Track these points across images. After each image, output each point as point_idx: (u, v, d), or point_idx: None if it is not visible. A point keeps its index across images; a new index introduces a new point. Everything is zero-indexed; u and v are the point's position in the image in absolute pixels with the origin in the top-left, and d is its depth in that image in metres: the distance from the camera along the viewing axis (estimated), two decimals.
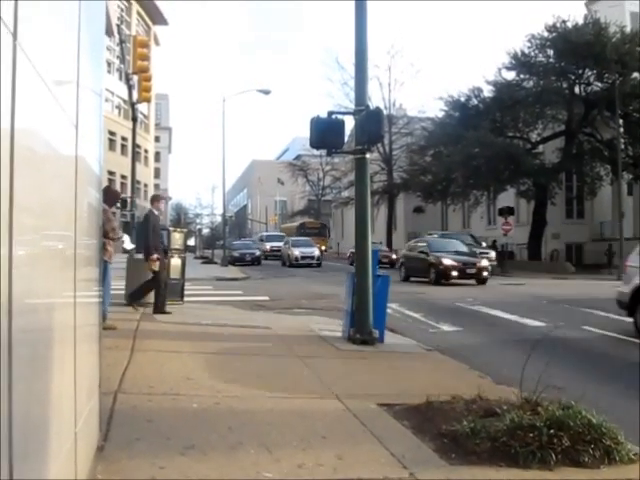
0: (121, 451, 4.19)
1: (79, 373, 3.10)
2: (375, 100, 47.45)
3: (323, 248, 53.12)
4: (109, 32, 21.57)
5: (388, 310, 10.65)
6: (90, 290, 3.80)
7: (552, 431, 4.36)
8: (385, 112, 47.47)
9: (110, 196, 9.47)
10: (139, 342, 8.39)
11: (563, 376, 6.60)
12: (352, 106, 9.95)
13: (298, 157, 77.26)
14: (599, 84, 37.43)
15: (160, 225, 11.95)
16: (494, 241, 38.90)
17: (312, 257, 39.65)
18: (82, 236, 3.22)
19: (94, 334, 4.01)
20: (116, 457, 4.07)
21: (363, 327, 9.28)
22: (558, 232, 41.66)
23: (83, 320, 3.30)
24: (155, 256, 11.24)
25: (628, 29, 37.66)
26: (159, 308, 11.55)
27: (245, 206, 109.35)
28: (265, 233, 64.02)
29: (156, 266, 11.28)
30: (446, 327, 12.00)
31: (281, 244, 48.06)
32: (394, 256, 39.84)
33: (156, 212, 11.73)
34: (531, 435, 4.33)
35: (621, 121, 34.28)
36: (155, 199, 12.22)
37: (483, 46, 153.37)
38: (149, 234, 11.32)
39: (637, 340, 10.04)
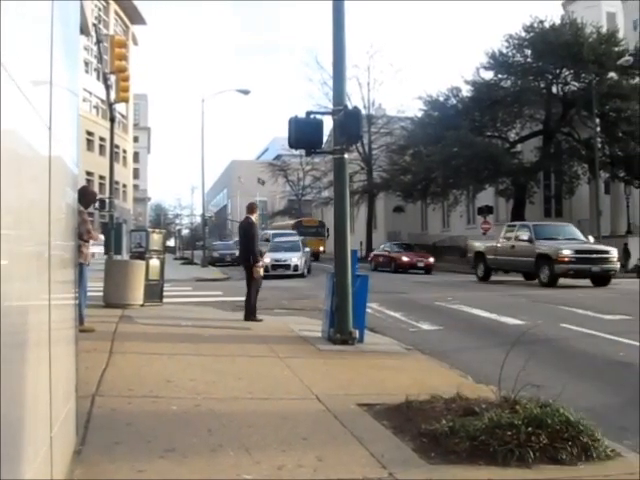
0: (99, 455, 4.14)
1: (55, 376, 3.06)
2: (354, 100, 47.68)
3: (321, 249, 48.07)
4: (85, 31, 21.38)
5: (368, 310, 10.66)
6: (65, 292, 3.76)
7: (530, 429, 4.38)
8: (364, 112, 47.75)
9: (86, 197, 9.38)
10: (118, 344, 8.33)
11: (542, 374, 6.64)
12: (332, 106, 9.94)
13: (278, 157, 77.13)
14: (576, 84, 37.85)
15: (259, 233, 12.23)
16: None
17: (287, 266, 30.27)
18: (57, 237, 3.18)
19: (70, 336, 3.97)
20: (94, 461, 4.03)
21: (343, 327, 9.27)
22: None
23: (58, 322, 3.26)
24: (260, 263, 11.69)
25: (604, 29, 38.13)
26: (252, 315, 11.60)
27: (225, 206, 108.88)
28: (271, 231, 49.09)
29: (261, 272, 11.64)
30: (426, 326, 12.03)
31: None
32: (432, 260, 34.33)
33: (254, 220, 11.97)
34: (510, 433, 4.35)
35: (598, 120, 34.66)
36: (252, 207, 12.33)
37: (462, 46, 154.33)
38: (253, 242, 11.62)
39: (616, 337, 10.15)
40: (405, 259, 33.59)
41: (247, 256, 11.72)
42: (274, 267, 29.67)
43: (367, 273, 12.66)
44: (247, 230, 11.87)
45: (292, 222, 55.84)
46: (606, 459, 4.39)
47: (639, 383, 6.91)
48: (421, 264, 33.29)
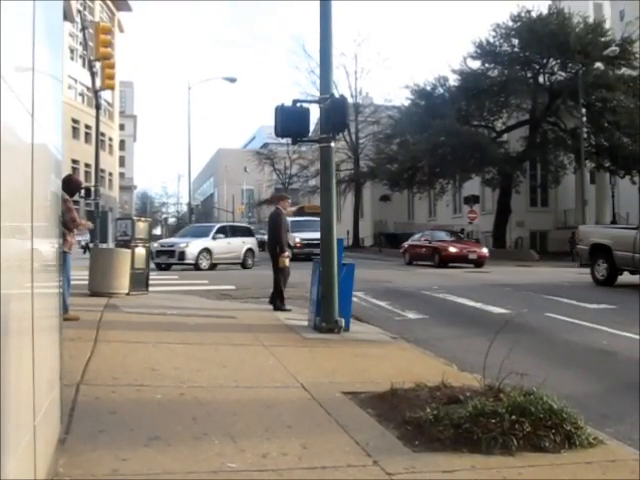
0: (84, 443, 4.13)
1: (38, 365, 3.04)
2: (341, 88, 47.70)
3: None
4: (70, 18, 21.17)
5: (354, 299, 10.69)
6: (49, 281, 3.73)
7: (514, 417, 4.41)
8: (351, 100, 47.78)
9: (71, 185, 9.34)
10: (103, 333, 8.29)
11: (526, 362, 6.68)
12: (319, 94, 9.92)
13: (265, 145, 76.92)
14: (563, 74, 37.95)
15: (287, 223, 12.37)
16: (462, 229, 38.97)
17: (170, 253, 24.88)
18: (40, 225, 3.15)
19: (54, 325, 3.94)
20: (78, 450, 4.02)
21: (329, 316, 9.29)
22: (522, 220, 42.21)
23: (41, 311, 3.24)
24: (286, 253, 11.70)
25: (591, 19, 38.21)
26: (281, 305, 11.77)
27: (212, 195, 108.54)
28: (289, 218, 39.86)
29: (287, 262, 11.69)
30: (412, 315, 12.07)
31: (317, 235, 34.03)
32: (485, 250, 28.42)
33: (283, 210, 12.15)
34: (493, 421, 4.38)
35: (584, 110, 34.79)
36: (281, 198, 12.70)
37: (450, 35, 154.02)
38: (281, 231, 11.72)
39: (599, 326, 10.23)
40: (453, 250, 27.52)
41: (273, 245, 11.96)
42: (158, 254, 24.58)
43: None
44: (273, 220, 12.14)
45: (294, 209, 54.84)
46: (588, 446, 4.43)
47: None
48: (473, 256, 27.23)
